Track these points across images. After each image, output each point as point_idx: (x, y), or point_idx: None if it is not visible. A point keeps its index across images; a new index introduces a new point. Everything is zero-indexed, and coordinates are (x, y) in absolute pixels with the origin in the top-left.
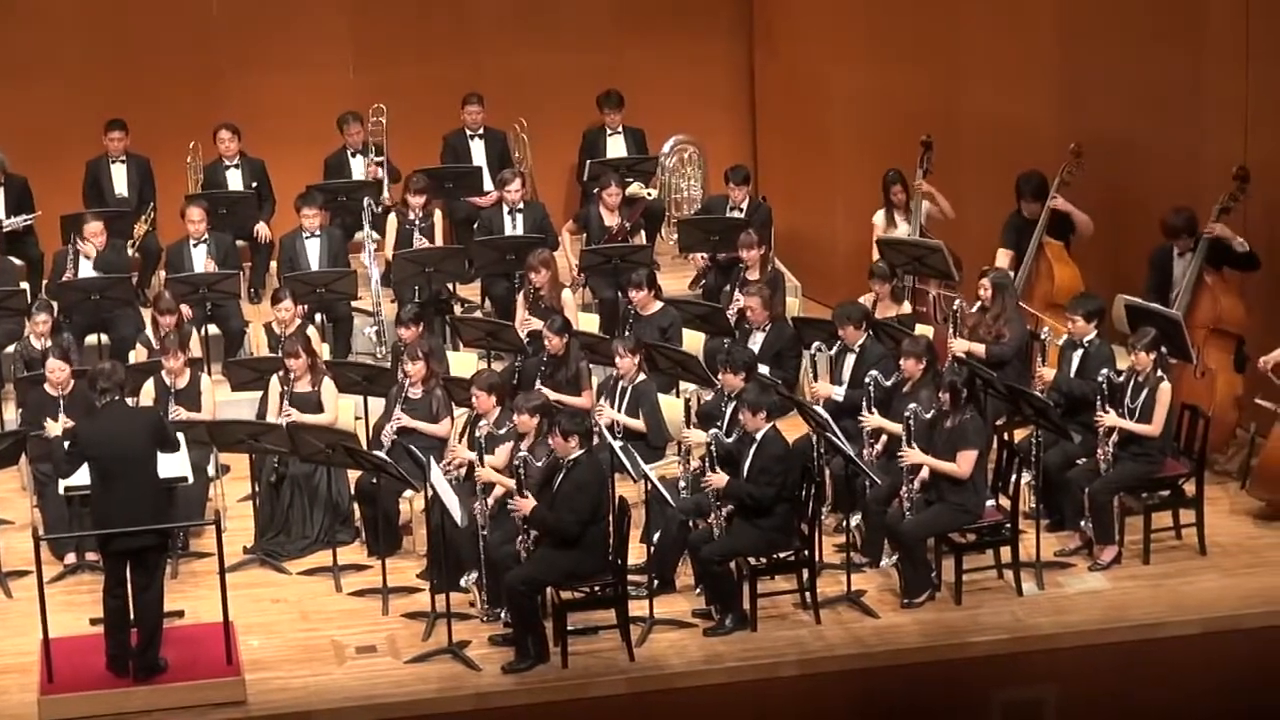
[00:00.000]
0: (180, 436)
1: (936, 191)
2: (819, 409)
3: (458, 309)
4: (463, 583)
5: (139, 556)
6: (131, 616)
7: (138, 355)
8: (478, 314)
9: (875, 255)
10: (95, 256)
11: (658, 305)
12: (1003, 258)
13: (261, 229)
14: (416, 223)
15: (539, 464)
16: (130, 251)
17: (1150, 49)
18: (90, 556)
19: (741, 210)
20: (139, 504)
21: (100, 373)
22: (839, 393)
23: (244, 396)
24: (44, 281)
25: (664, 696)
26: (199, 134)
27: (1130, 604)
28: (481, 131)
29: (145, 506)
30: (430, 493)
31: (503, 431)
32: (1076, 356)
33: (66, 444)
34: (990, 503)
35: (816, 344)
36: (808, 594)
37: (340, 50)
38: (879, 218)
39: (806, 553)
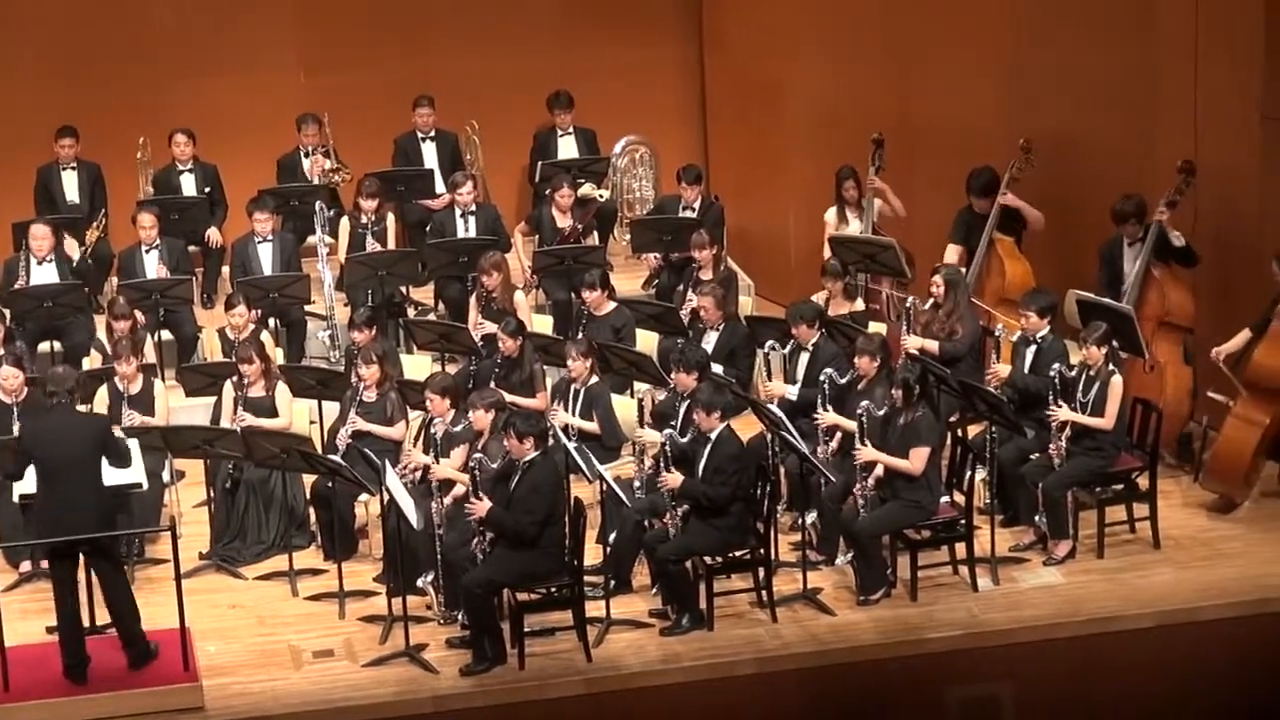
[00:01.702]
0: (134, 444)
1: (889, 190)
2: (773, 407)
3: (411, 312)
4: (419, 583)
5: (92, 560)
6: (85, 623)
7: (91, 361)
8: (431, 317)
9: (827, 253)
10: (74, 260)
11: (611, 306)
12: (951, 253)
13: (213, 234)
14: (369, 226)
15: (494, 465)
16: (85, 258)
17: (1101, 45)
18: (45, 565)
19: (694, 210)
20: (80, 508)
21: (52, 376)
22: (793, 391)
23: (198, 402)
24: None
25: (622, 697)
26: (150, 138)
27: (1085, 598)
28: (433, 134)
29: (87, 511)
30: (386, 496)
31: (458, 430)
32: (1030, 352)
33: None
34: (945, 499)
35: (770, 343)
36: (764, 592)
37: (290, 54)
38: (830, 215)
39: (762, 551)
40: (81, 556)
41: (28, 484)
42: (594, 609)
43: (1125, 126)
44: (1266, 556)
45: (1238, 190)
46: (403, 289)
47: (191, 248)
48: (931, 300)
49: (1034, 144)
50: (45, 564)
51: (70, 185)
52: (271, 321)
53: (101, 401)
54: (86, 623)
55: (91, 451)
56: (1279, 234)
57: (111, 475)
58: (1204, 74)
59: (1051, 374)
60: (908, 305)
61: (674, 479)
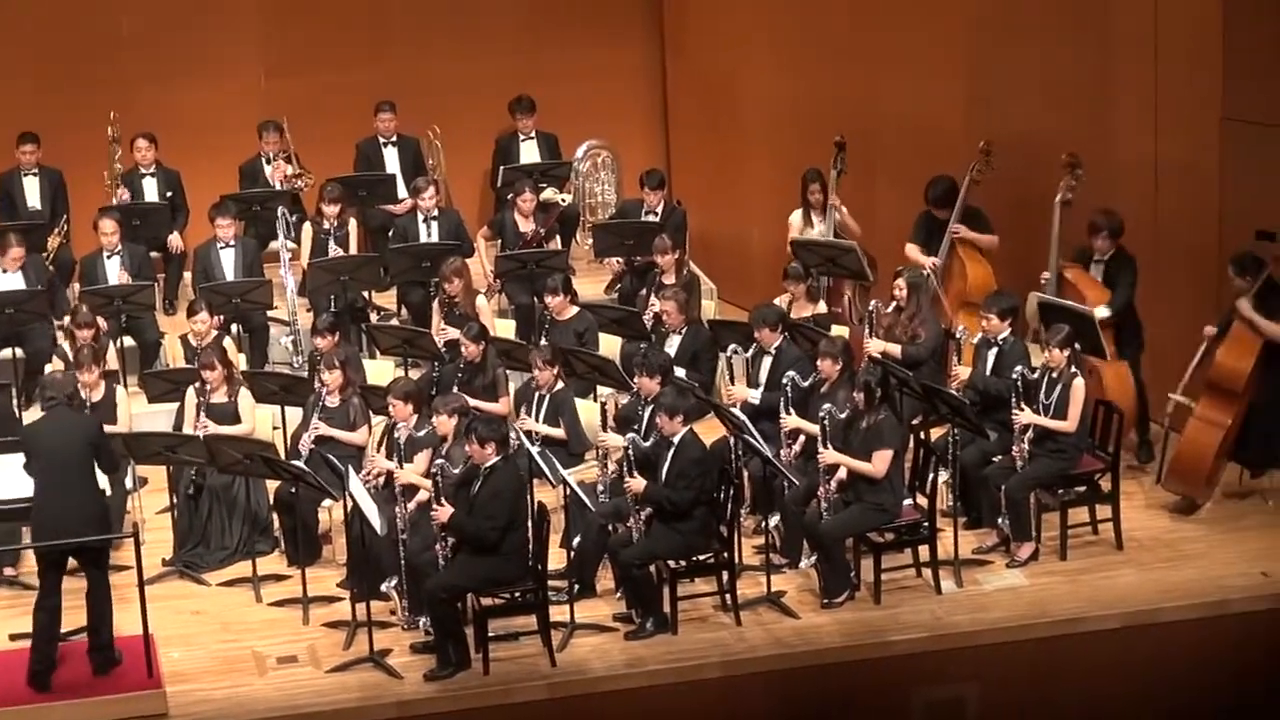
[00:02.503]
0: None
1: (847, 212)
2: (736, 411)
3: (374, 317)
4: (383, 589)
5: (85, 565)
6: (59, 630)
7: (54, 368)
8: (394, 322)
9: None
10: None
11: (574, 310)
12: (912, 250)
13: (174, 239)
14: (331, 231)
15: (456, 470)
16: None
17: (1060, 47)
18: (8, 571)
19: (656, 214)
20: (75, 511)
21: (50, 381)
22: (755, 395)
23: (160, 408)
24: None
25: (586, 701)
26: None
27: (1048, 600)
28: (394, 139)
29: (79, 513)
30: (349, 502)
31: (422, 435)
32: (991, 354)
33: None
34: (908, 502)
35: (733, 346)
36: (728, 596)
37: (252, 59)
38: (795, 218)
39: (726, 555)
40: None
41: None
42: (558, 613)
43: (1085, 127)
44: (1228, 557)
45: (1198, 190)
46: (365, 294)
47: (153, 254)
48: (894, 303)
49: (994, 145)
50: (9, 571)
51: (31, 191)
52: (234, 327)
53: None
54: None
55: (86, 453)
56: (1239, 234)
57: None
58: (1163, 75)
59: (1014, 376)
60: (870, 308)
61: (637, 483)
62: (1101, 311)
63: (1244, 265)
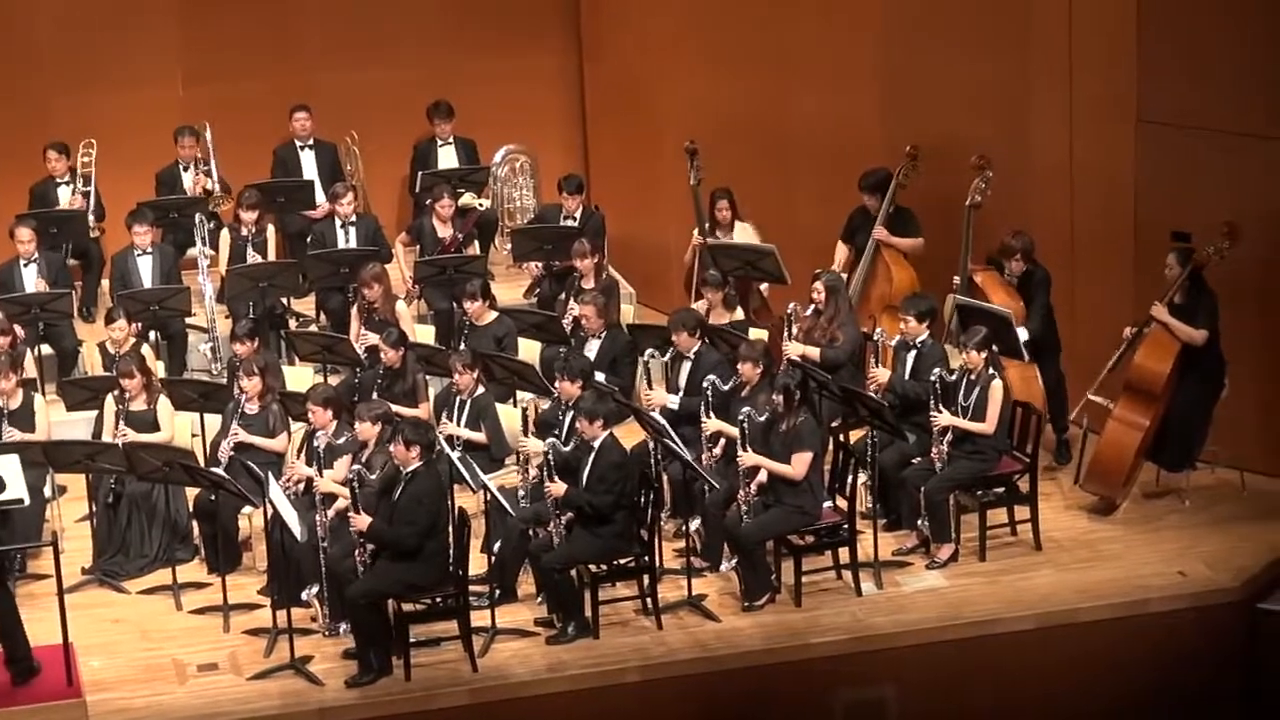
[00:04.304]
0: (14, 460)
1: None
2: (655, 415)
3: (293, 323)
4: (304, 596)
5: None
6: None
7: None
8: (313, 328)
9: (688, 256)
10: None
11: (493, 315)
12: (840, 251)
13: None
14: (249, 238)
15: (373, 476)
16: None
17: (976, 51)
18: None
19: (575, 219)
20: None
21: None
22: (674, 401)
23: (79, 416)
24: None
25: (508, 706)
26: (29, 155)
27: (968, 601)
28: (311, 142)
29: None
30: (269, 508)
31: (341, 442)
32: (910, 357)
33: None
34: (827, 504)
35: (650, 350)
36: (649, 600)
37: (169, 66)
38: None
39: (646, 559)
40: None
41: None
42: (479, 618)
43: (1003, 133)
44: (1145, 557)
45: (1114, 192)
46: (284, 300)
47: (71, 261)
48: (813, 306)
49: (919, 150)
50: None
51: None
52: (152, 334)
53: None
54: None
55: None
56: (1155, 235)
57: None
58: (1078, 78)
59: (932, 378)
60: (788, 311)
61: (558, 488)
62: (1022, 334)
63: (1187, 257)
